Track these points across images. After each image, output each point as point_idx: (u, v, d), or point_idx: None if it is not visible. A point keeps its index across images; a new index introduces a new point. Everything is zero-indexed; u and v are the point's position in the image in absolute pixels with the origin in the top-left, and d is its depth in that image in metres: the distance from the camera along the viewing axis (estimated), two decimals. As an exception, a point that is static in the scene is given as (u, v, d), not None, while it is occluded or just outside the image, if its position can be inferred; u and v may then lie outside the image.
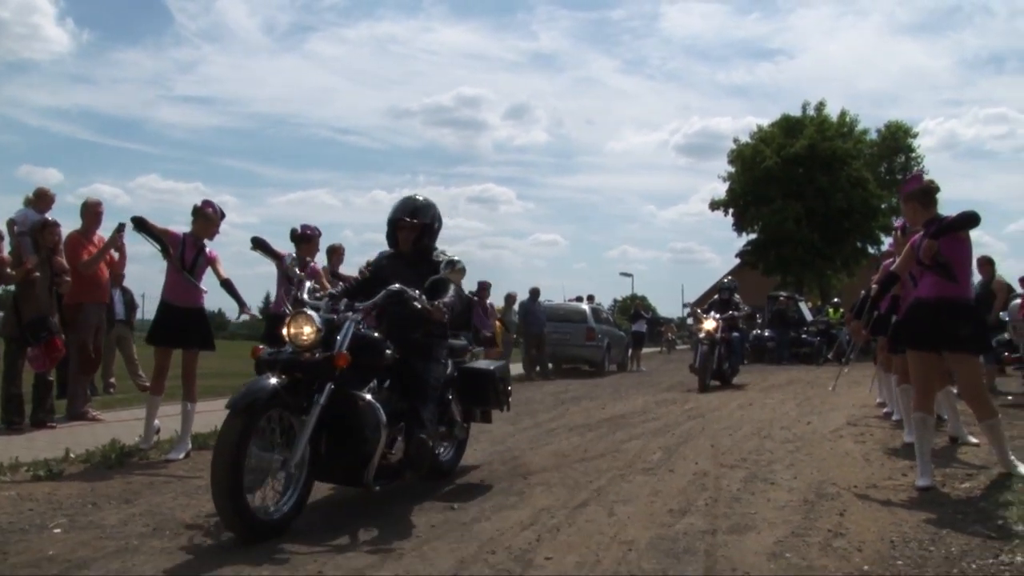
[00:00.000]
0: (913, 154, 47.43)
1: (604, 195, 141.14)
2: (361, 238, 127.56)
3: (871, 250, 39.14)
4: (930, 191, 5.81)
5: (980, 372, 6.07)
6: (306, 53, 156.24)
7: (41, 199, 9.34)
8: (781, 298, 28.36)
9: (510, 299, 19.35)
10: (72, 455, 6.77)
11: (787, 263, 37.53)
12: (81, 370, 8.97)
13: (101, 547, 4.35)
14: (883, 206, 42.14)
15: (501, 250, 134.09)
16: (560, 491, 5.77)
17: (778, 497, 5.47)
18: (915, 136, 47.33)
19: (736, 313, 16.52)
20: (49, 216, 9.02)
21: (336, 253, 10.30)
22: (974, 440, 7.18)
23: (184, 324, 7.41)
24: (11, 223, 9.11)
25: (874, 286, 6.84)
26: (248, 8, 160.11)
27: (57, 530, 4.70)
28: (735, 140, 40.44)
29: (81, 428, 8.52)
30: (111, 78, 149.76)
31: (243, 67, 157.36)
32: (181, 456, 7.10)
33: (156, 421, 7.60)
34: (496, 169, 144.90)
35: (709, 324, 15.57)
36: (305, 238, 8.82)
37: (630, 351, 24.61)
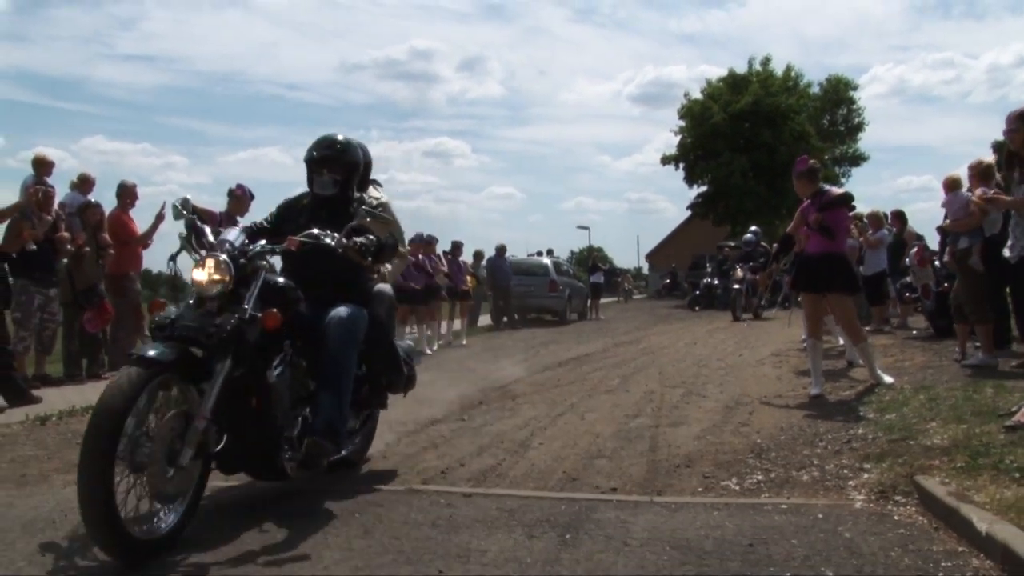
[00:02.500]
0: (855, 105, 49.75)
1: (558, 147, 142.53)
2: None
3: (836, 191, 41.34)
4: (814, 170, 7.64)
5: (852, 308, 7.90)
6: (250, 6, 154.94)
7: (84, 183, 10.81)
8: (727, 248, 30.23)
9: (478, 256, 21.03)
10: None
11: (735, 214, 39.52)
12: (134, 330, 10.55)
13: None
14: (826, 157, 44.41)
15: (456, 204, 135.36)
16: (542, 407, 7.58)
17: (706, 405, 7.33)
18: (856, 88, 49.59)
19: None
20: (88, 195, 10.57)
21: None
22: (861, 362, 9.05)
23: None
24: (61, 206, 10.60)
25: (774, 244, 8.71)
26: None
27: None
28: (685, 95, 42.26)
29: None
30: (47, 36, 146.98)
31: (186, 22, 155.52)
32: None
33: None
34: (449, 123, 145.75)
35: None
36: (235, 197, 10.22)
37: (589, 301, 26.47)
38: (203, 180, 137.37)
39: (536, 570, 3.31)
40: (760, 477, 4.90)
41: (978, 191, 7.16)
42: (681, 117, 41.64)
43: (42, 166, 10.23)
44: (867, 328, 13.18)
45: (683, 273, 42.76)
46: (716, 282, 28.60)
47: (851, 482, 4.65)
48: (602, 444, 5.89)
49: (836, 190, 7.66)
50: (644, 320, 20.92)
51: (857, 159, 50.02)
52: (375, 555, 3.51)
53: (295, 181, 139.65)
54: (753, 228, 23.61)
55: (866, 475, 4.74)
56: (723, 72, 41.88)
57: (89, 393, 8.52)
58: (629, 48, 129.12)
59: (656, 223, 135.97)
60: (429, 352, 13.62)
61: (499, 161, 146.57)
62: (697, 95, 41.52)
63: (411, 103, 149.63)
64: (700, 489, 4.70)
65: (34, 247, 8.82)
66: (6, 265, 8.32)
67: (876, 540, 3.61)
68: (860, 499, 4.33)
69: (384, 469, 5.35)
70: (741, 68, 41.58)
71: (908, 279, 12.82)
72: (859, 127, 49.74)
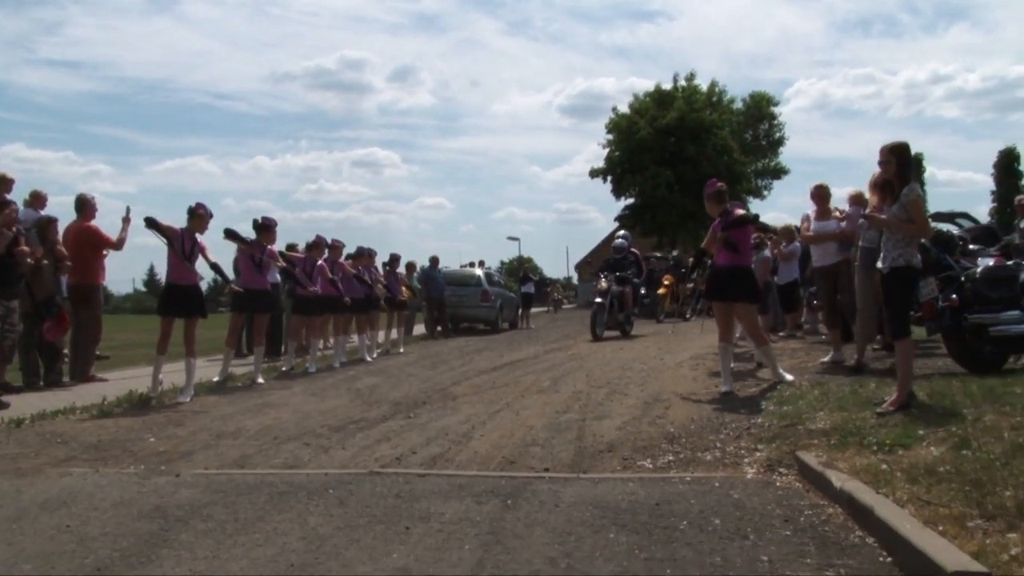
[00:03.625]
0: (776, 120, 51.74)
1: (489, 157, 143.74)
2: (243, 205, 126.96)
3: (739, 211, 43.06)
4: (722, 192, 8.56)
5: (755, 315, 8.84)
6: (179, 15, 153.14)
7: (37, 199, 11.29)
8: (654, 259, 31.37)
9: (411, 267, 21.73)
10: (105, 403, 8.94)
11: (662, 226, 40.88)
12: (94, 339, 11.05)
13: (190, 446, 6.71)
14: (750, 170, 46.15)
15: (387, 214, 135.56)
16: (480, 405, 8.36)
17: (627, 401, 8.18)
18: (777, 104, 51.58)
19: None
20: (41, 210, 11.07)
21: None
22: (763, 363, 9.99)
23: (185, 298, 9.65)
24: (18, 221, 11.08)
25: (691, 259, 9.64)
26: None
27: (152, 439, 7.02)
28: (613, 109, 43.60)
29: (92, 387, 10.58)
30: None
31: (113, 28, 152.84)
32: (188, 399, 9.33)
33: (160, 375, 9.80)
34: (380, 133, 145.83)
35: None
36: (264, 227, 11.16)
37: (520, 310, 27.34)
38: (128, 189, 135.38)
39: (485, 527, 4.09)
40: (671, 458, 5.75)
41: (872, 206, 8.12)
42: (609, 131, 42.97)
43: (37, 200, 10.76)
44: (781, 333, 14.31)
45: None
46: (643, 292, 29.66)
47: (746, 459, 5.53)
48: (535, 435, 6.69)
49: (740, 211, 8.58)
50: (573, 328, 21.77)
51: (779, 172, 51.95)
52: (352, 518, 4.26)
53: (223, 190, 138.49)
54: (622, 233, 20.94)
55: (758, 453, 5.63)
56: (651, 85, 43.49)
57: (51, 399, 9.07)
58: (561, 60, 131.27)
59: (585, 233, 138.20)
60: (369, 359, 14.33)
61: (430, 171, 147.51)
62: (625, 109, 42.91)
63: (341, 113, 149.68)
64: (619, 468, 5.54)
65: (-2, 260, 9.32)
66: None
67: (758, 499, 4.48)
68: (751, 472, 5.21)
69: (345, 457, 6.08)
70: (668, 82, 43.09)
71: (813, 288, 13.91)
72: (780, 141, 51.80)
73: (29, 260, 10.21)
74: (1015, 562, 3.00)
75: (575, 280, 73.66)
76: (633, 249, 19.09)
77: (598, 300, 17.14)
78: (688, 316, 20.75)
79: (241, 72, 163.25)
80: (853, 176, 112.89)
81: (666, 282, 22.06)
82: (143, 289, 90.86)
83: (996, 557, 3.06)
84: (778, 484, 4.85)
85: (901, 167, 6.50)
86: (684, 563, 3.49)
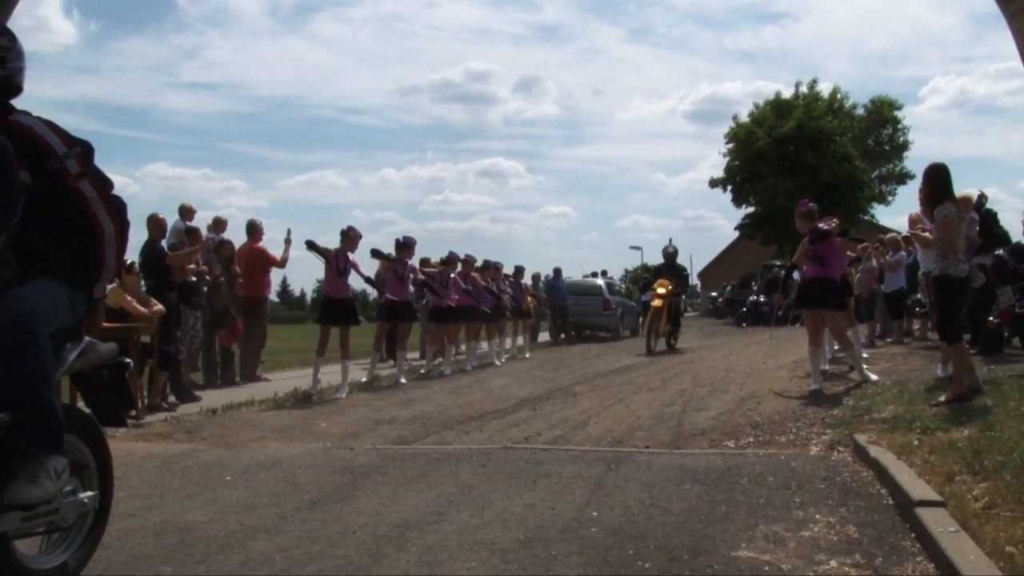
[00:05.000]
0: (899, 125, 51.15)
1: (614, 165, 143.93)
2: (371, 216, 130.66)
3: (865, 217, 43.39)
4: (812, 212, 9.59)
5: (841, 320, 9.82)
6: (309, 34, 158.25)
7: (219, 224, 13.11)
8: (775, 268, 31.92)
9: (536, 278, 23.18)
10: (277, 397, 10.58)
11: (782, 234, 41.18)
12: (261, 344, 12.84)
13: (355, 429, 8.21)
14: (874, 175, 45.99)
15: (512, 224, 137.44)
16: (596, 400, 9.66)
17: (725, 398, 9.34)
18: (900, 108, 50.96)
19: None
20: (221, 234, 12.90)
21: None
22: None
23: (340, 309, 11.25)
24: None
25: (782, 271, 10.70)
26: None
27: (323, 424, 8.56)
28: (734, 117, 44.18)
29: (259, 385, 12.30)
30: (115, 67, 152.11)
31: (247, 50, 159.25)
32: (344, 395, 10.88)
33: (319, 375, 11.39)
34: (504, 143, 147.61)
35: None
36: (405, 245, 12.69)
37: (641, 319, 28.41)
38: (262, 204, 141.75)
39: (593, 481, 5.39)
40: (751, 439, 6.95)
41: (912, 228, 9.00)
42: (728, 141, 43.57)
43: (187, 213, 12.56)
44: (888, 340, 15.06)
45: (727, 292, 44.28)
46: (762, 299, 30.33)
47: (813, 441, 6.68)
48: (641, 423, 7.96)
49: (824, 226, 9.60)
50: (692, 336, 22.84)
51: (903, 177, 51.27)
52: (492, 475, 5.64)
53: (351, 202, 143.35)
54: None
55: (825, 436, 6.76)
56: (778, 88, 43.72)
57: (230, 395, 10.77)
58: (684, 66, 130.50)
59: (711, 240, 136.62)
60: (498, 363, 15.79)
61: (554, 181, 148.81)
62: (746, 118, 43.38)
63: (467, 124, 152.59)
64: (707, 446, 6.76)
65: (193, 279, 11.11)
66: (176, 293, 10.57)
67: (810, 467, 5.65)
68: (815, 450, 6.36)
69: (482, 438, 7.48)
70: (793, 86, 43.40)
71: (919, 295, 14.64)
72: (904, 146, 51.12)
73: (208, 277, 12.03)
74: (973, 499, 4.13)
75: (699, 288, 73.88)
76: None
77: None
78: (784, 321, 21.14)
79: (368, 87, 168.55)
80: (993, 175, 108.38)
81: (660, 291, 17.34)
82: (276, 300, 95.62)
83: (959, 496, 4.19)
84: (832, 458, 5.99)
85: (933, 188, 7.44)
86: (736, 502, 4.73)
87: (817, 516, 4.38)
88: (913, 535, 3.94)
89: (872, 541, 3.92)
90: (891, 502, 4.58)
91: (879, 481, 5.03)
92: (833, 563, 3.63)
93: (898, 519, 4.24)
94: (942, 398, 7.21)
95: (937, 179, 7.49)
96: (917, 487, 4.33)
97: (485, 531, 4.27)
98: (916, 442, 5.70)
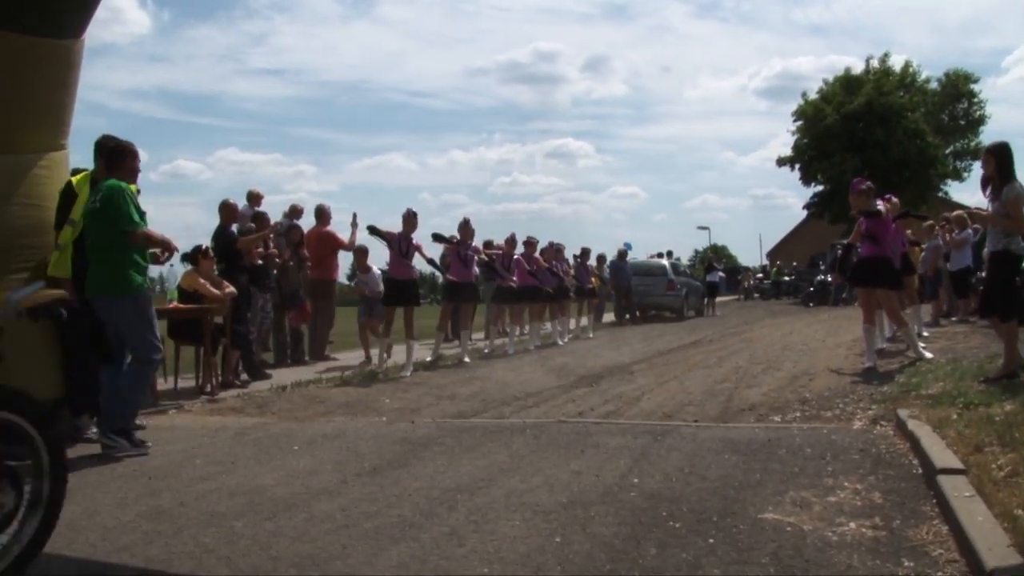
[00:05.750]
0: (975, 99, 49.82)
1: (682, 144, 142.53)
2: (439, 199, 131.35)
3: (939, 194, 42.60)
4: (869, 190, 9.64)
5: (894, 298, 9.89)
6: (375, 18, 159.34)
7: (294, 212, 13.57)
8: (840, 247, 31.66)
9: (601, 259, 23.37)
10: (344, 374, 11.03)
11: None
12: (329, 325, 13.32)
13: (417, 404, 8.60)
14: (948, 151, 44.98)
15: (580, 204, 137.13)
16: (652, 377, 9.92)
17: (778, 375, 9.52)
18: (976, 81, 49.62)
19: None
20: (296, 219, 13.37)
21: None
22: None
23: (403, 290, 11.64)
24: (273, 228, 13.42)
25: (839, 250, 10.78)
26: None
27: (387, 400, 8.96)
28: (803, 95, 43.61)
29: (327, 364, 12.80)
30: (186, 55, 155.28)
31: (314, 36, 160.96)
32: (409, 373, 11.28)
33: (385, 354, 11.82)
34: (572, 123, 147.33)
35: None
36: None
37: (706, 299, 28.50)
38: (331, 188, 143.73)
39: (638, 451, 5.68)
40: (798, 414, 7.14)
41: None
42: (796, 119, 43.07)
43: (254, 199, 13.05)
44: (954, 318, 14.98)
45: (792, 270, 43.91)
46: (829, 279, 30.19)
47: (857, 416, 6.85)
48: (692, 398, 8.20)
49: (876, 206, 9.66)
50: (756, 315, 22.93)
51: (979, 153, 49.93)
52: (543, 446, 5.97)
53: (419, 185, 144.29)
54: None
55: (870, 412, 6.92)
56: (851, 62, 43.07)
57: (299, 372, 11.25)
58: (754, 41, 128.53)
59: (781, 219, 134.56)
60: (561, 343, 16.09)
61: (623, 160, 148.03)
62: (815, 95, 42.82)
63: (534, 105, 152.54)
64: (753, 421, 6.98)
65: (260, 262, 11.59)
66: (246, 276, 11.06)
67: (850, 440, 5.85)
68: (858, 424, 6.54)
69: (538, 412, 7.80)
70: (869, 58, 42.75)
71: (983, 273, 14.54)
72: (980, 120, 49.80)
73: (278, 260, 12.51)
74: (997, 468, 4.30)
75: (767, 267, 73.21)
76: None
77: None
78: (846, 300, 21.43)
79: (435, 69, 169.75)
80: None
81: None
82: (344, 282, 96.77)
83: (983, 465, 4.37)
84: (874, 432, 6.16)
85: (1000, 166, 7.47)
86: (771, 471, 4.97)
87: (846, 483, 4.60)
88: (934, 501, 4.15)
89: (894, 506, 4.14)
90: (920, 472, 4.78)
91: (913, 452, 5.22)
92: (852, 525, 3.87)
93: (923, 487, 4.45)
94: (992, 375, 7.30)
95: (1004, 155, 7.51)
96: (944, 456, 4.53)
97: (531, 495, 4.59)
98: (955, 416, 5.84)
